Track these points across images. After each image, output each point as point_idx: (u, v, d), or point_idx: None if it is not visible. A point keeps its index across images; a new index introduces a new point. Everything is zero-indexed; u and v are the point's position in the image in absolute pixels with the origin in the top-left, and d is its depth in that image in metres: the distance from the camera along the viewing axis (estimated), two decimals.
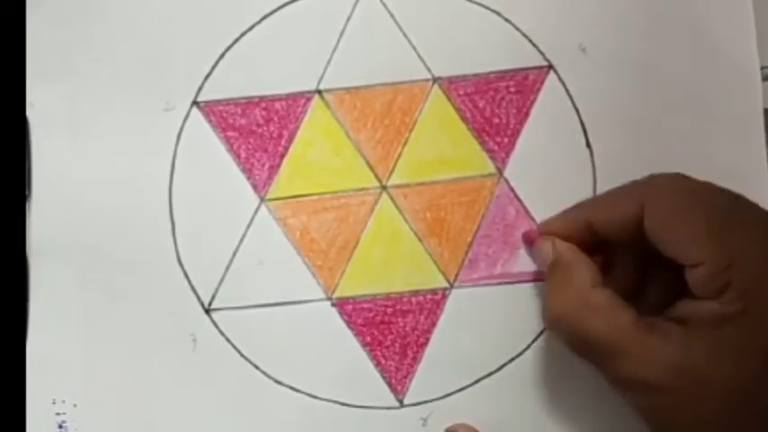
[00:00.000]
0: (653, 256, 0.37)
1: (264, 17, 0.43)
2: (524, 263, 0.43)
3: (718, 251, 0.35)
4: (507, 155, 0.43)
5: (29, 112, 0.43)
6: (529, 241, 0.42)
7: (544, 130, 0.43)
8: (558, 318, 0.38)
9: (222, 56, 0.43)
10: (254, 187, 0.43)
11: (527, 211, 0.43)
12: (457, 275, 0.43)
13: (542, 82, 0.43)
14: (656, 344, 0.35)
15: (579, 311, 0.37)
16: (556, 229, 0.41)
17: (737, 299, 0.34)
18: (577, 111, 0.43)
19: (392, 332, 0.43)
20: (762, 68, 0.43)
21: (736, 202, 0.37)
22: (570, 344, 0.38)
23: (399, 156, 0.43)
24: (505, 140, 0.43)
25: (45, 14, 0.43)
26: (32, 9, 0.43)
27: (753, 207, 0.37)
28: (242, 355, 0.42)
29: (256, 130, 0.43)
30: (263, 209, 0.43)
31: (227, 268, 0.43)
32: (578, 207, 0.41)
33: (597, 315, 0.36)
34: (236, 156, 0.43)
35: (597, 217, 0.39)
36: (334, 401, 0.42)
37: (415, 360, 0.42)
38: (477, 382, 0.42)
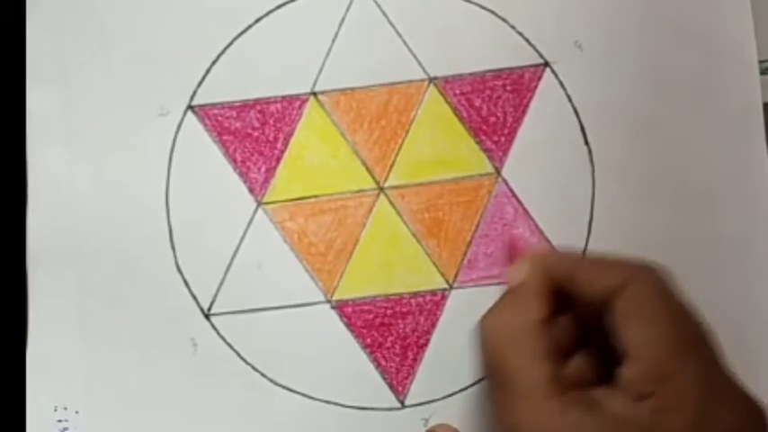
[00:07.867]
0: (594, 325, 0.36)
1: (258, 19, 0.43)
2: None
3: (664, 364, 0.33)
4: (505, 154, 0.43)
5: (27, 118, 0.43)
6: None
7: (542, 129, 0.43)
8: (495, 338, 0.36)
9: (216, 59, 0.43)
10: (251, 191, 0.43)
11: (525, 210, 0.43)
12: (456, 276, 0.43)
13: (539, 80, 0.43)
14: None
15: (513, 347, 0.35)
16: (542, 261, 0.38)
17: (651, 412, 0.33)
18: (575, 108, 0.43)
19: (392, 334, 0.42)
20: (760, 62, 0.43)
21: (705, 342, 0.35)
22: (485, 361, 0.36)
23: (396, 157, 0.43)
24: (503, 139, 0.43)
25: (41, 20, 0.43)
26: (30, 14, 0.43)
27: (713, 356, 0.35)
28: (243, 359, 0.42)
29: (252, 134, 0.43)
30: (261, 212, 0.43)
31: (226, 272, 0.42)
32: (568, 257, 0.39)
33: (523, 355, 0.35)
34: (233, 159, 0.43)
35: (580, 275, 0.36)
36: (336, 403, 0.42)
37: (416, 361, 0.42)
38: (477, 381, 0.42)
